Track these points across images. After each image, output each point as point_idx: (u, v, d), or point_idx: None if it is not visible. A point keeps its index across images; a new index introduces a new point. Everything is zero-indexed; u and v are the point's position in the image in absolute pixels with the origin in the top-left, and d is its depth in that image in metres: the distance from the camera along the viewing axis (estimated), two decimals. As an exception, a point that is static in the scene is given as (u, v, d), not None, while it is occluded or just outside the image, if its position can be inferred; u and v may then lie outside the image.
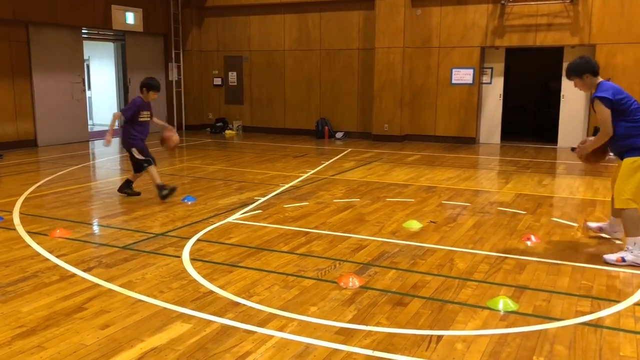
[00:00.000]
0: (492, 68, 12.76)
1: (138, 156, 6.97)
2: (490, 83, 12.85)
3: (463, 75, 12.63)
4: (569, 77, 4.82)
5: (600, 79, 4.70)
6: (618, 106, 4.52)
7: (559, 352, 3.14)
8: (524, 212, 6.37)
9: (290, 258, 4.73)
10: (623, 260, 4.52)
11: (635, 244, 4.53)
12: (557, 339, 3.29)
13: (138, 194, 7.22)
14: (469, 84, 12.63)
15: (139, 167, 7.05)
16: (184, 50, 15.32)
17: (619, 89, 4.62)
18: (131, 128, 6.96)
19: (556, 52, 12.21)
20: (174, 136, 7.24)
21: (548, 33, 11.76)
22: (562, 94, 12.22)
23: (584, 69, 4.70)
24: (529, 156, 11.06)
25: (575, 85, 4.82)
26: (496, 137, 13.00)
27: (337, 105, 14.05)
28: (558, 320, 3.54)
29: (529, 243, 5.20)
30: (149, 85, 7.11)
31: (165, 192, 6.89)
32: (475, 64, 12.53)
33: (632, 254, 4.52)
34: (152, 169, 6.99)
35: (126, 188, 7.22)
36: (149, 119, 7.15)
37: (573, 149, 11.48)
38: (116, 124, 7.14)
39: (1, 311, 3.62)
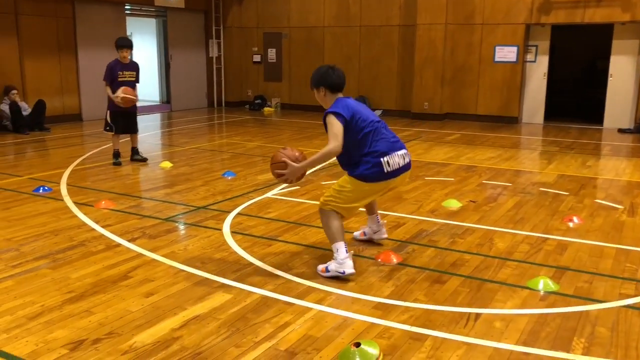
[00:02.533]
0: (536, 46, 12.42)
1: (107, 118, 7.51)
2: (534, 61, 12.51)
3: (506, 53, 12.33)
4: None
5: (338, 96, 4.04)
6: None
7: (601, 334, 3.09)
8: (567, 193, 6.24)
9: (329, 234, 4.76)
10: (327, 270, 3.83)
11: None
12: (599, 321, 3.24)
13: (145, 159, 7.81)
14: (513, 62, 12.33)
15: (109, 128, 7.56)
16: (224, 26, 15.38)
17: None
18: (112, 91, 7.34)
19: (605, 29, 11.79)
20: (123, 95, 7.21)
21: (597, 9, 11.33)
22: (610, 73, 11.82)
23: (319, 82, 4.06)
24: (573, 137, 10.78)
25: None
26: (539, 117, 12.70)
27: (376, 83, 13.92)
28: (600, 302, 3.49)
29: (571, 224, 5.10)
30: (115, 44, 7.46)
31: (115, 160, 7.54)
32: (519, 41, 12.20)
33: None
34: (115, 137, 7.57)
35: (135, 156, 7.83)
36: (132, 79, 7.44)
37: (621, 131, 11.16)
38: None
39: (52, 277, 3.78)
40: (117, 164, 7.52)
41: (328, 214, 3.88)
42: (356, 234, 4.66)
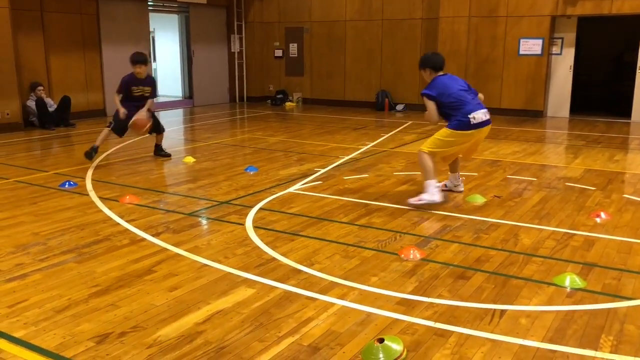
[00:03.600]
0: (562, 38, 12.20)
1: (112, 120, 7.45)
2: (560, 54, 12.30)
3: (531, 46, 12.13)
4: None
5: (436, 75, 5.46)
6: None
7: (630, 331, 3.03)
8: (594, 188, 6.13)
9: (351, 229, 4.75)
10: (420, 199, 5.31)
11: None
12: (628, 319, 3.17)
13: (168, 155, 7.85)
14: (538, 54, 12.14)
15: (109, 124, 7.45)
16: (245, 21, 15.42)
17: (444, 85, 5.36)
18: (125, 102, 7.29)
19: (633, 21, 11.53)
20: (141, 120, 7.11)
21: (626, 0, 11.08)
22: (638, 65, 11.57)
23: (426, 65, 5.49)
24: (600, 130, 10.58)
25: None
26: (565, 111, 12.49)
27: (398, 77, 13.84)
28: (629, 299, 3.42)
29: (598, 220, 5.00)
30: (130, 59, 7.30)
31: (89, 152, 7.24)
32: (544, 34, 12.00)
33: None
34: (107, 131, 7.39)
35: (160, 152, 7.85)
36: (147, 94, 7.35)
37: None
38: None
39: (78, 270, 3.83)
40: (88, 154, 7.22)
41: (424, 156, 5.27)
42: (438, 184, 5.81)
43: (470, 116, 5.20)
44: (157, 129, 7.71)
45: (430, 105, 5.34)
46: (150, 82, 7.47)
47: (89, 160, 7.27)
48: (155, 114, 7.78)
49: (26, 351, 2.82)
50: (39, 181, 6.40)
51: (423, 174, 5.36)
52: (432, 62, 5.48)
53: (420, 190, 5.50)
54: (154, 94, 7.52)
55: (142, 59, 7.33)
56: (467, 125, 5.22)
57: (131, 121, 7.07)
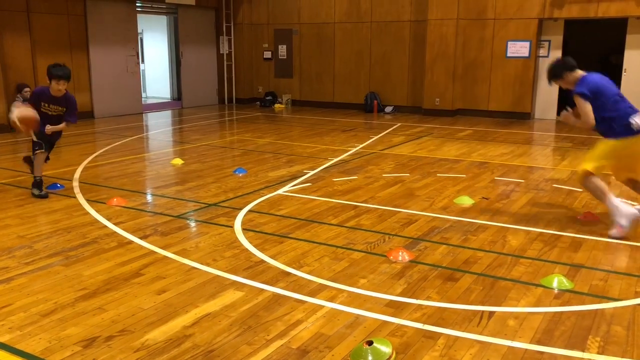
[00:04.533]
0: (549, 41, 12.28)
1: (34, 138, 5.86)
2: (547, 56, 12.37)
3: (519, 48, 12.21)
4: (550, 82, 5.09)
5: (581, 73, 4.82)
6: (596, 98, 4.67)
7: (617, 332, 3.05)
8: (581, 190, 6.16)
9: (340, 231, 4.75)
10: (621, 226, 4.62)
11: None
12: (615, 320, 3.20)
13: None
14: (525, 57, 12.21)
15: (37, 147, 5.87)
16: (234, 23, 15.38)
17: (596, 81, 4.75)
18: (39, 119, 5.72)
19: (619, 24, 11.64)
20: (27, 114, 5.53)
21: (612, 3, 11.18)
22: (624, 68, 11.68)
23: (562, 70, 4.86)
24: (587, 132, 10.65)
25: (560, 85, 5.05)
26: (552, 113, 12.57)
27: (387, 79, 13.86)
28: (616, 300, 3.44)
29: (585, 221, 5.04)
30: (49, 73, 5.72)
31: (36, 192, 5.81)
32: (532, 36, 12.08)
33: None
34: (40, 156, 5.90)
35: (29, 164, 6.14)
36: (56, 114, 5.85)
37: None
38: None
39: (65, 274, 3.80)
40: (44, 196, 5.78)
41: (586, 181, 4.73)
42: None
43: (632, 120, 4.56)
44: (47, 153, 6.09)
45: (587, 107, 4.64)
46: (67, 101, 5.86)
47: (34, 196, 5.81)
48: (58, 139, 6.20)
49: (11, 356, 2.79)
50: (25, 183, 6.33)
51: (599, 199, 4.78)
52: (566, 64, 4.85)
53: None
54: (72, 117, 5.95)
55: (67, 74, 5.74)
56: (627, 131, 4.58)
57: (19, 115, 5.46)
